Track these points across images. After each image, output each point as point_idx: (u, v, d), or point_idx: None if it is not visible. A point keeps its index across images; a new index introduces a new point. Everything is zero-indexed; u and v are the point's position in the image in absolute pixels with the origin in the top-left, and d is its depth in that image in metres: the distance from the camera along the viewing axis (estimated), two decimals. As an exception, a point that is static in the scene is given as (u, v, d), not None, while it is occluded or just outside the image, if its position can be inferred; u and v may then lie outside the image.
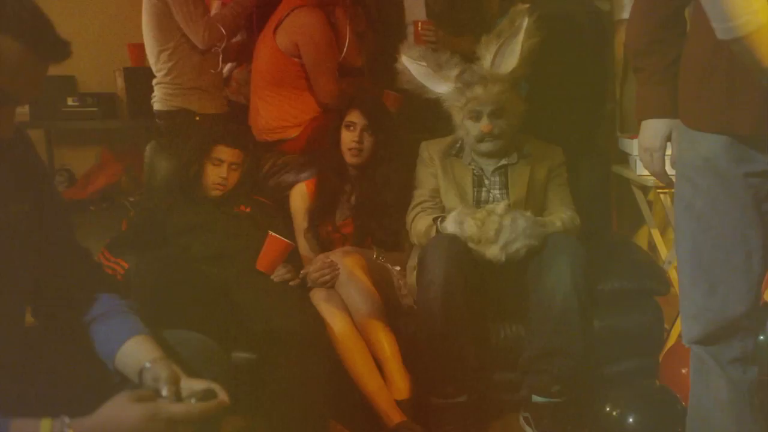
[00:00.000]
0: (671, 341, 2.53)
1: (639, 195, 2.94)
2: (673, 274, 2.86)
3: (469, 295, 2.12)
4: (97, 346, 1.33)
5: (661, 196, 2.71)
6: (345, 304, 2.24)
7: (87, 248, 1.46)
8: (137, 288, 1.96)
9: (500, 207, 2.14)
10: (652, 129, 1.65)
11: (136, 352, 1.28)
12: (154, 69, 3.01)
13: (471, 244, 2.14)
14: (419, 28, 2.82)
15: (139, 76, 3.53)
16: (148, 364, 1.24)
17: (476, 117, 2.28)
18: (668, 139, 1.64)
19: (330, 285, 2.26)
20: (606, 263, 2.36)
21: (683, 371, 2.14)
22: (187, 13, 2.82)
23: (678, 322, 2.59)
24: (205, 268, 2.28)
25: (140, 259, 2.09)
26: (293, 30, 2.71)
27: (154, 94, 3.02)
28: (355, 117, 2.45)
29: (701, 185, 1.50)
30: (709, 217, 1.50)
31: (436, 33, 2.81)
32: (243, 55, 3.14)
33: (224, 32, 2.87)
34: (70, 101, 3.62)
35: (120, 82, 3.72)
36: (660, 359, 2.34)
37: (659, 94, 1.63)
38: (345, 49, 2.87)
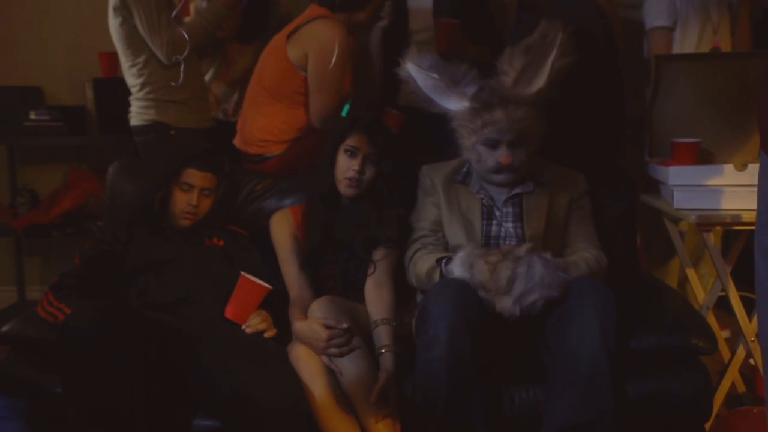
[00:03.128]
0: (716, 406, 2.19)
1: (672, 228, 2.61)
2: (712, 321, 2.52)
3: (478, 353, 1.84)
4: None
5: (704, 234, 2.35)
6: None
7: None
8: (64, 351, 1.59)
9: (521, 249, 1.88)
10: None
11: None
12: (128, 84, 2.82)
13: (481, 293, 1.86)
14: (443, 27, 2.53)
15: (110, 88, 3.25)
16: None
17: (493, 145, 2.00)
18: None
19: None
20: (639, 314, 2.05)
21: (738, 450, 1.84)
22: (150, 24, 2.63)
23: (724, 382, 2.27)
24: (163, 316, 1.97)
25: (73, 311, 1.73)
26: (307, 40, 2.47)
27: (130, 109, 2.83)
28: (357, 142, 2.08)
29: None
30: None
31: (458, 35, 2.50)
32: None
33: (187, 41, 2.66)
34: (32, 115, 3.30)
35: (90, 94, 3.41)
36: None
37: None
38: (372, 83, 2.75)
